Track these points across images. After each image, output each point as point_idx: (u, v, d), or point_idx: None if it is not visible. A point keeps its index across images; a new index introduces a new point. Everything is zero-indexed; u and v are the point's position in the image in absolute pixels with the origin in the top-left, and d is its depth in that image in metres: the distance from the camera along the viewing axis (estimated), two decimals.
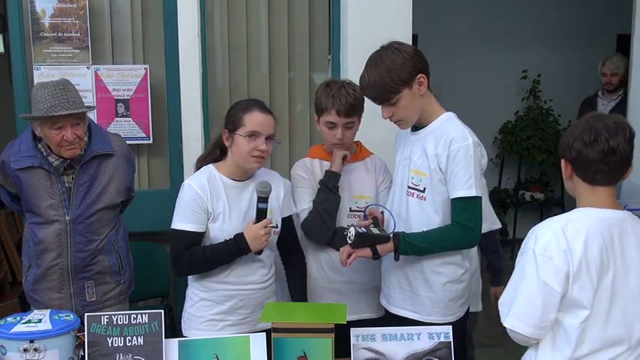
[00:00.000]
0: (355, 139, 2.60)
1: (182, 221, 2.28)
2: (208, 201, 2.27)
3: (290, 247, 2.50)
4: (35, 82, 3.24)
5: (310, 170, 2.57)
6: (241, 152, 2.26)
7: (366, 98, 2.31)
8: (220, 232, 2.29)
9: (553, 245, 1.71)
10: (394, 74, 2.13)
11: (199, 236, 2.30)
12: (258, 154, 2.25)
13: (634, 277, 1.75)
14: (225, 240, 2.27)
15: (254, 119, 2.26)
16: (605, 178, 1.78)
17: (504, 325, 1.78)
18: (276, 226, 2.37)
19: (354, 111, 2.45)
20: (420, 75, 2.17)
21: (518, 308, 1.75)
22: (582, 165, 1.78)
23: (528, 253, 1.75)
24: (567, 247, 1.70)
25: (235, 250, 2.26)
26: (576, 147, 1.76)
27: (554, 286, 1.71)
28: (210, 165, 2.38)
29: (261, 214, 2.24)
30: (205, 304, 2.35)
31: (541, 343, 1.79)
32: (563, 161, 1.83)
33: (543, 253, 1.71)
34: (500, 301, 1.83)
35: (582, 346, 1.74)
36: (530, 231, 1.82)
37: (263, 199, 2.23)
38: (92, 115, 2.60)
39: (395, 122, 2.27)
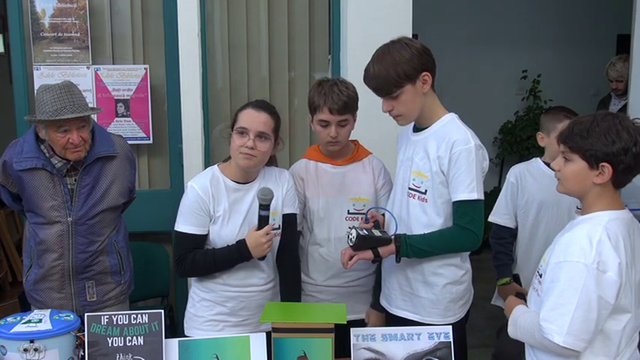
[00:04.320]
0: (352, 139, 2.58)
1: (184, 223, 2.28)
2: (210, 203, 2.27)
3: (285, 250, 2.41)
4: (35, 82, 3.25)
5: (305, 172, 2.55)
6: (232, 149, 2.27)
7: (365, 97, 2.30)
8: (217, 235, 2.28)
9: (605, 258, 1.67)
10: (399, 68, 2.12)
11: (202, 238, 2.29)
12: (246, 150, 2.22)
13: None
14: (228, 245, 2.27)
15: (244, 116, 2.27)
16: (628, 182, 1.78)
17: (559, 344, 1.69)
18: (278, 228, 2.35)
19: (347, 108, 2.42)
20: (425, 73, 2.16)
21: (574, 326, 1.67)
22: (627, 169, 1.73)
23: (576, 267, 1.68)
24: (619, 258, 1.68)
25: (237, 256, 2.25)
26: (634, 151, 1.70)
27: (609, 300, 1.68)
28: (215, 166, 2.37)
29: (262, 221, 2.23)
30: (206, 305, 2.34)
31: (582, 354, 1.73)
32: (603, 166, 1.73)
33: (597, 267, 1.66)
34: (542, 317, 1.74)
35: (620, 346, 1.75)
36: (561, 242, 1.76)
37: (265, 207, 2.22)
38: (93, 116, 2.59)
39: (394, 117, 2.26)
